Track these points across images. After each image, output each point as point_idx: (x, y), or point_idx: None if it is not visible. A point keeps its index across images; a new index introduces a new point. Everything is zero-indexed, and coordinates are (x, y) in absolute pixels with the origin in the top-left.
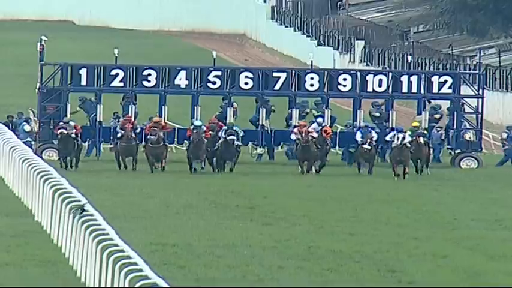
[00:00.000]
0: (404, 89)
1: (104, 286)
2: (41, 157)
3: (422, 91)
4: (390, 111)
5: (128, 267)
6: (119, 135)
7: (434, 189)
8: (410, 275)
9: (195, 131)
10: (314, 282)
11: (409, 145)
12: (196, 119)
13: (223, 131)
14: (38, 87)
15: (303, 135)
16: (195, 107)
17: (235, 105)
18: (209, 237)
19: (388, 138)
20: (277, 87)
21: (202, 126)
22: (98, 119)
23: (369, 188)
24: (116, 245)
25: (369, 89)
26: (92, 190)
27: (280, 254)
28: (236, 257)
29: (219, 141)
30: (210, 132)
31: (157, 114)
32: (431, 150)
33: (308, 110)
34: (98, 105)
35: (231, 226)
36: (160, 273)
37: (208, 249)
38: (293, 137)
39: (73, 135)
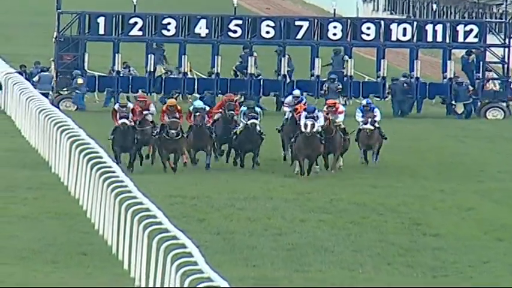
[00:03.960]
0: (429, 38)
1: (122, 238)
2: (58, 107)
3: (447, 40)
4: (415, 61)
5: (147, 220)
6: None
7: (460, 140)
8: (435, 227)
9: (197, 114)
10: (337, 235)
11: (319, 129)
12: (197, 99)
13: (242, 114)
14: (55, 36)
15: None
16: (216, 57)
17: (255, 54)
18: (229, 190)
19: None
20: (299, 36)
21: (205, 107)
22: (116, 69)
23: (392, 139)
24: (135, 197)
25: (393, 38)
26: (111, 142)
27: (302, 207)
28: (257, 209)
29: (238, 127)
30: (227, 111)
31: (175, 97)
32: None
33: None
34: (116, 55)
35: (252, 178)
36: (180, 226)
37: (229, 202)
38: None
39: (132, 125)
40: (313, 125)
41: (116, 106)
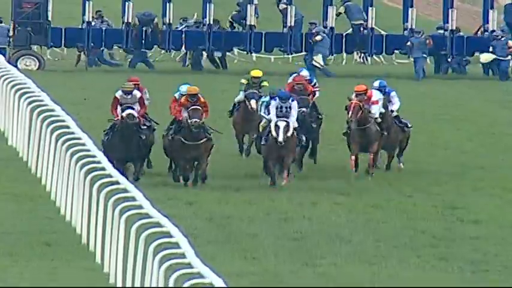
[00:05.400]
0: None
1: (94, 225)
2: (16, 66)
3: None
4: (449, 10)
5: (124, 203)
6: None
7: (504, 106)
8: (474, 212)
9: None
10: (355, 221)
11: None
12: (184, 83)
13: (264, 106)
14: None
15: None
16: (207, 4)
17: (255, 1)
18: (224, 166)
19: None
20: None
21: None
22: (87, 19)
23: (423, 103)
24: (110, 176)
25: None
26: (80, 108)
27: (313, 187)
28: (258, 190)
29: (262, 122)
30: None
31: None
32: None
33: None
34: (87, 2)
35: (252, 152)
36: (165, 210)
37: (224, 182)
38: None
39: (136, 121)
40: (287, 128)
41: (118, 93)
